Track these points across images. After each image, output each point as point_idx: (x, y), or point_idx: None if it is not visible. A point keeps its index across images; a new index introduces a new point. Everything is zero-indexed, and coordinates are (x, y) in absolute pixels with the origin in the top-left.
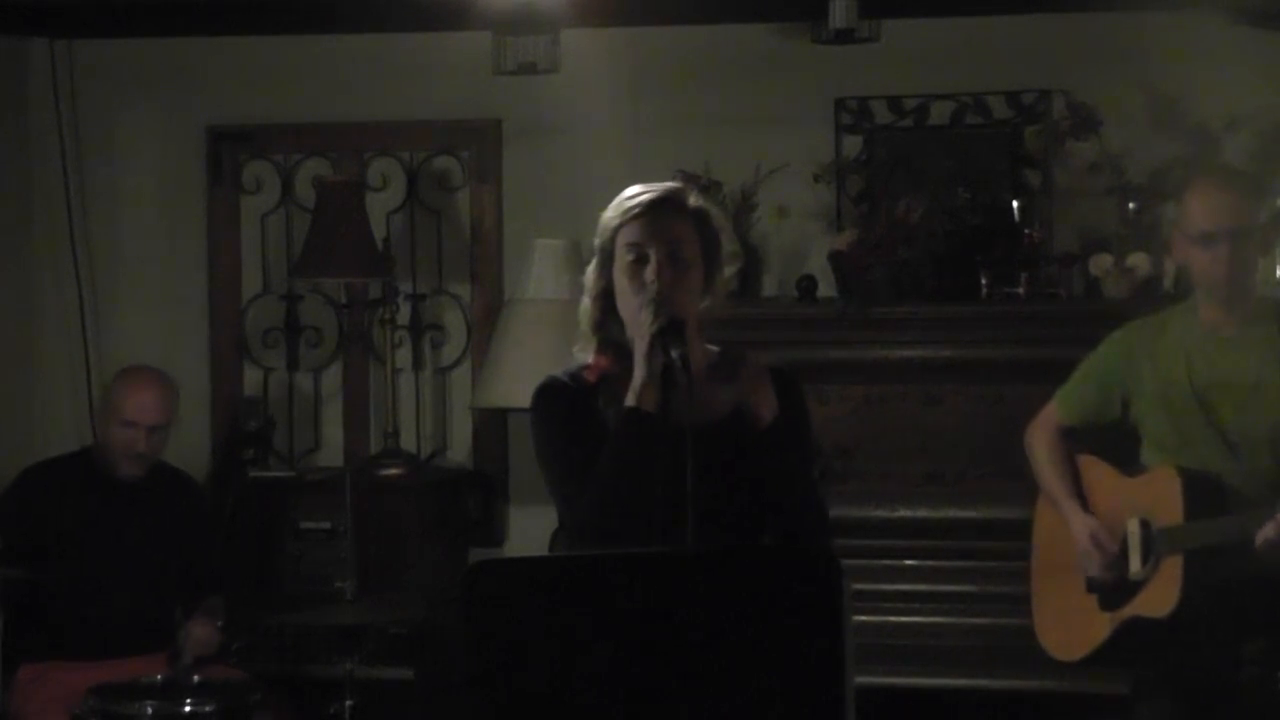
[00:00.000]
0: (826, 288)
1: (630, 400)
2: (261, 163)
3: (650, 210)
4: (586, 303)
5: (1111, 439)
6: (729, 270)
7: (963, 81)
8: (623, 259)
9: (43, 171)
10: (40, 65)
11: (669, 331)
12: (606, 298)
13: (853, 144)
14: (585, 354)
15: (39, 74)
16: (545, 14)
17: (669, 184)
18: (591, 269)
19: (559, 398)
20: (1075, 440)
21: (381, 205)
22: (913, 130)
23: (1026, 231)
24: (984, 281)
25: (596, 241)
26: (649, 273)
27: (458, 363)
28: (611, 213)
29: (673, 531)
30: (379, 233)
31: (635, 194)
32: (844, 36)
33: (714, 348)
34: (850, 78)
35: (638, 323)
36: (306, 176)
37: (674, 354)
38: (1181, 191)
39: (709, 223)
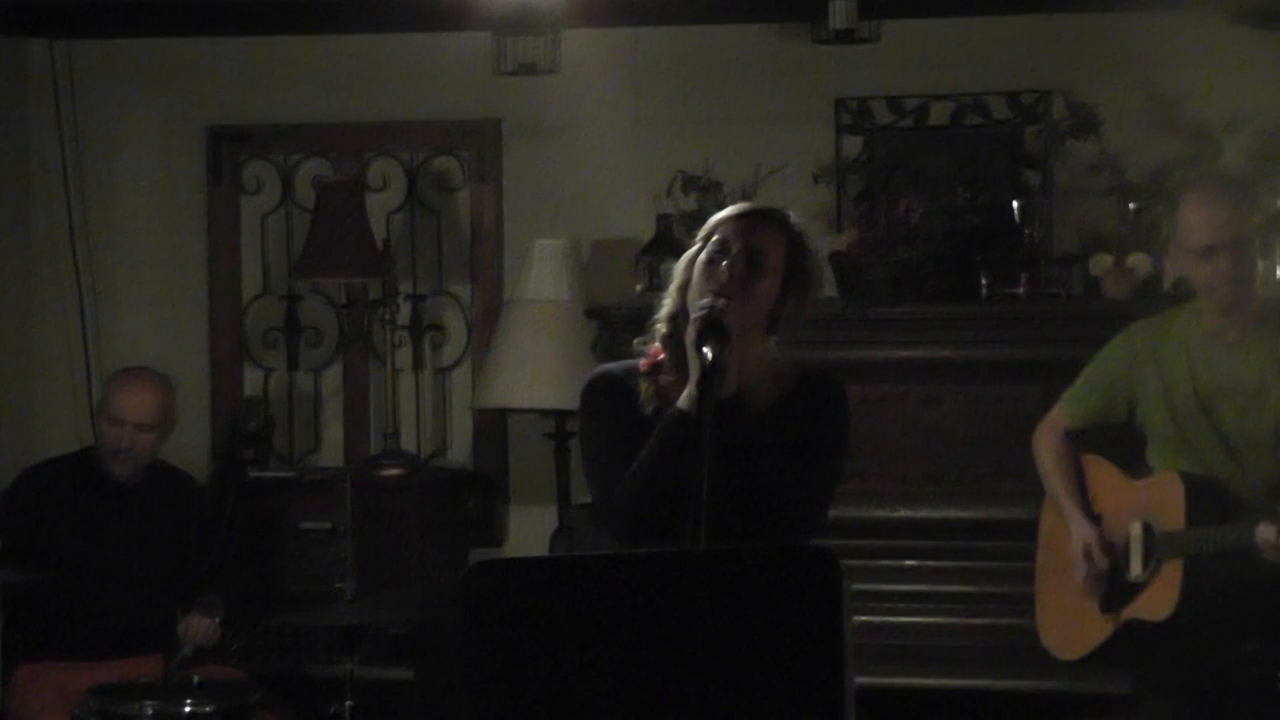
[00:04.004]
0: (827, 288)
1: (683, 402)
2: (261, 163)
3: (748, 215)
4: (670, 289)
5: (1119, 438)
6: (808, 301)
7: (963, 81)
8: (708, 250)
9: (43, 171)
10: (40, 65)
11: (708, 332)
12: (687, 290)
13: (853, 144)
14: (647, 347)
15: (39, 74)
16: (545, 14)
17: (779, 207)
18: (684, 258)
19: (605, 389)
20: (1081, 441)
21: (381, 205)
22: (913, 130)
23: (1026, 231)
24: (984, 281)
25: (699, 234)
26: (724, 267)
27: (458, 363)
28: (717, 213)
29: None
30: (379, 233)
31: (753, 203)
32: (844, 36)
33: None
34: (850, 78)
35: (693, 308)
36: (306, 176)
37: (705, 351)
38: (1175, 203)
39: (803, 248)
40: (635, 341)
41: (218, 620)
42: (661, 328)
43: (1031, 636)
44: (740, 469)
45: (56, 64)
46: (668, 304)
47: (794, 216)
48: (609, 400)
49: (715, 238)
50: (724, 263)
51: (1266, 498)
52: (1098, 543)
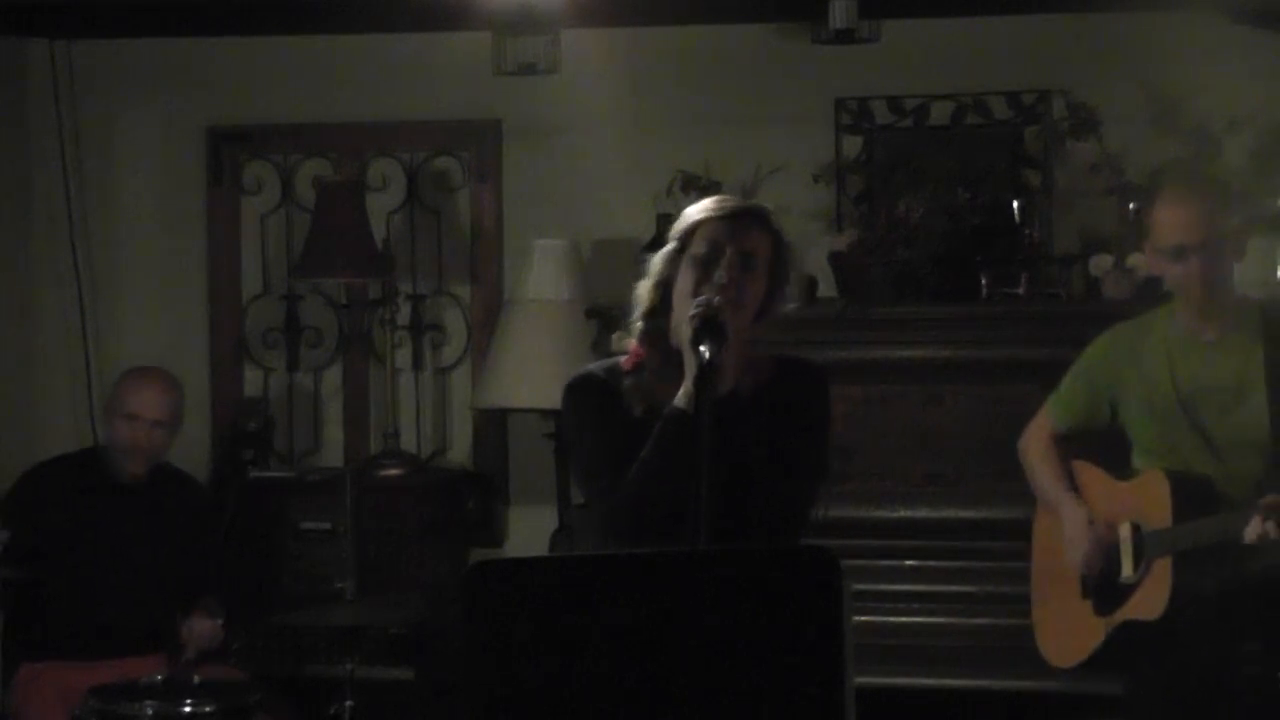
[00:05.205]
0: (826, 288)
1: (680, 401)
2: (261, 163)
3: (738, 215)
4: (646, 286)
5: (1104, 442)
6: (787, 300)
7: (963, 81)
8: (696, 251)
9: (43, 171)
10: (40, 65)
11: (704, 330)
12: (667, 287)
13: (853, 144)
14: (625, 342)
15: (39, 74)
16: (545, 14)
17: (757, 203)
18: (660, 257)
19: (590, 391)
20: (1068, 447)
21: (381, 205)
22: (913, 130)
23: (1026, 231)
24: (984, 281)
25: (674, 230)
26: (721, 271)
27: (458, 363)
28: (696, 208)
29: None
30: (379, 233)
31: (725, 198)
32: (844, 36)
33: (776, 356)
34: (850, 78)
35: (688, 315)
36: (306, 176)
37: (702, 350)
38: (1150, 204)
39: (784, 247)
40: (614, 336)
41: (220, 622)
42: (640, 325)
43: (1031, 636)
44: (733, 464)
45: (56, 64)
46: (645, 301)
47: (772, 211)
48: (594, 402)
49: (705, 238)
50: (721, 269)
51: (1251, 495)
52: (1097, 519)
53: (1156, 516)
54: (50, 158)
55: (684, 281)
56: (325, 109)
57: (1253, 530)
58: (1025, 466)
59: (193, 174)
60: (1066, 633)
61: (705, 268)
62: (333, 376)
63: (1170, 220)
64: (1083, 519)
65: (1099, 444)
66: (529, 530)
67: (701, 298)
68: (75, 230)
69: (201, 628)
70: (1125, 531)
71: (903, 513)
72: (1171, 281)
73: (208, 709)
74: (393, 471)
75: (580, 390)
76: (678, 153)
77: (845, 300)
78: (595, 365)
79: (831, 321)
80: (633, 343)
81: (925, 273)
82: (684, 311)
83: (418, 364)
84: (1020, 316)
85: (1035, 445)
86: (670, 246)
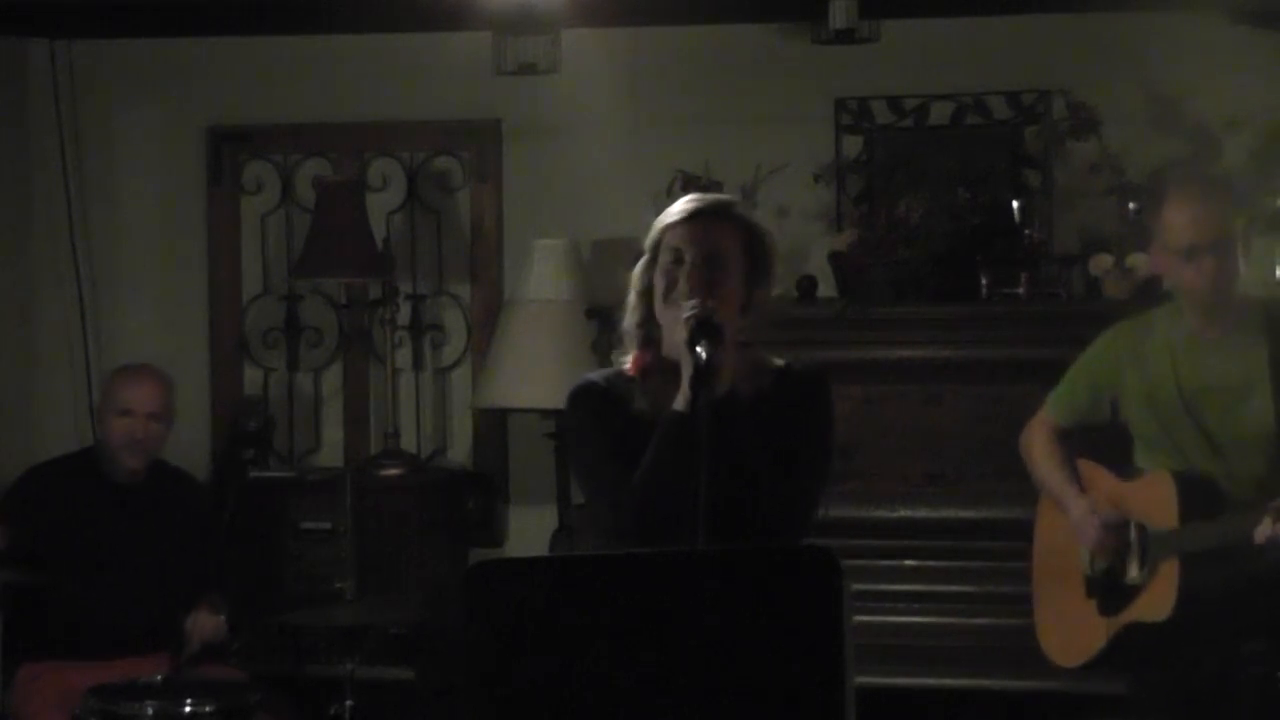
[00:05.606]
0: (826, 288)
1: (679, 404)
2: (261, 163)
3: (696, 216)
4: (631, 298)
5: (1107, 440)
6: (773, 291)
7: (963, 81)
8: (662, 260)
9: (43, 171)
10: (40, 65)
11: (700, 331)
12: (649, 296)
13: (853, 144)
14: (625, 354)
15: (39, 74)
16: (545, 14)
17: (724, 196)
18: (638, 267)
19: (592, 400)
20: (1071, 442)
21: (381, 205)
22: (913, 130)
23: (1026, 231)
24: (984, 281)
25: (646, 241)
26: (682, 276)
27: (458, 363)
28: (663, 215)
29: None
30: (379, 233)
31: (688, 199)
32: (844, 36)
33: (779, 362)
34: (850, 78)
35: (676, 322)
36: (306, 176)
37: (699, 351)
38: (1158, 203)
39: (758, 238)
40: (614, 354)
41: (223, 617)
42: (635, 335)
43: (1032, 636)
44: (734, 466)
45: (56, 64)
46: (634, 313)
47: (738, 203)
48: (599, 409)
49: (668, 245)
50: (683, 274)
51: (1254, 495)
52: (1105, 508)
53: (1162, 517)
54: (50, 158)
55: (660, 294)
56: (325, 109)
57: (1263, 532)
58: (1028, 461)
59: (193, 174)
60: (1070, 631)
61: (671, 275)
62: (333, 376)
63: (1182, 220)
64: (1087, 507)
65: (1101, 441)
66: (529, 530)
67: (694, 300)
68: (75, 230)
69: (206, 621)
70: (1131, 532)
71: (903, 513)
72: (1180, 281)
73: (208, 709)
74: (393, 471)
75: (582, 398)
76: (678, 153)
77: (845, 300)
78: (596, 374)
79: (831, 321)
80: (634, 352)
81: (925, 273)
82: (668, 318)
83: (418, 364)
84: (1020, 316)
85: (1038, 440)
86: (645, 257)
